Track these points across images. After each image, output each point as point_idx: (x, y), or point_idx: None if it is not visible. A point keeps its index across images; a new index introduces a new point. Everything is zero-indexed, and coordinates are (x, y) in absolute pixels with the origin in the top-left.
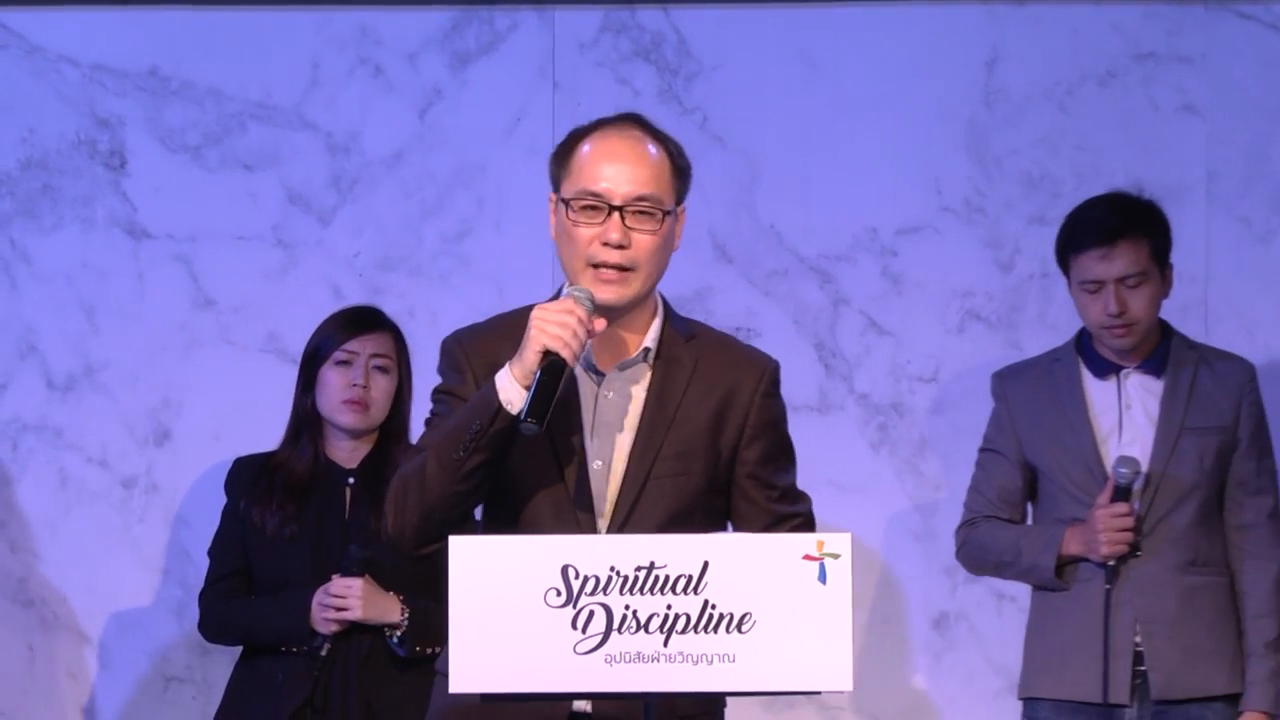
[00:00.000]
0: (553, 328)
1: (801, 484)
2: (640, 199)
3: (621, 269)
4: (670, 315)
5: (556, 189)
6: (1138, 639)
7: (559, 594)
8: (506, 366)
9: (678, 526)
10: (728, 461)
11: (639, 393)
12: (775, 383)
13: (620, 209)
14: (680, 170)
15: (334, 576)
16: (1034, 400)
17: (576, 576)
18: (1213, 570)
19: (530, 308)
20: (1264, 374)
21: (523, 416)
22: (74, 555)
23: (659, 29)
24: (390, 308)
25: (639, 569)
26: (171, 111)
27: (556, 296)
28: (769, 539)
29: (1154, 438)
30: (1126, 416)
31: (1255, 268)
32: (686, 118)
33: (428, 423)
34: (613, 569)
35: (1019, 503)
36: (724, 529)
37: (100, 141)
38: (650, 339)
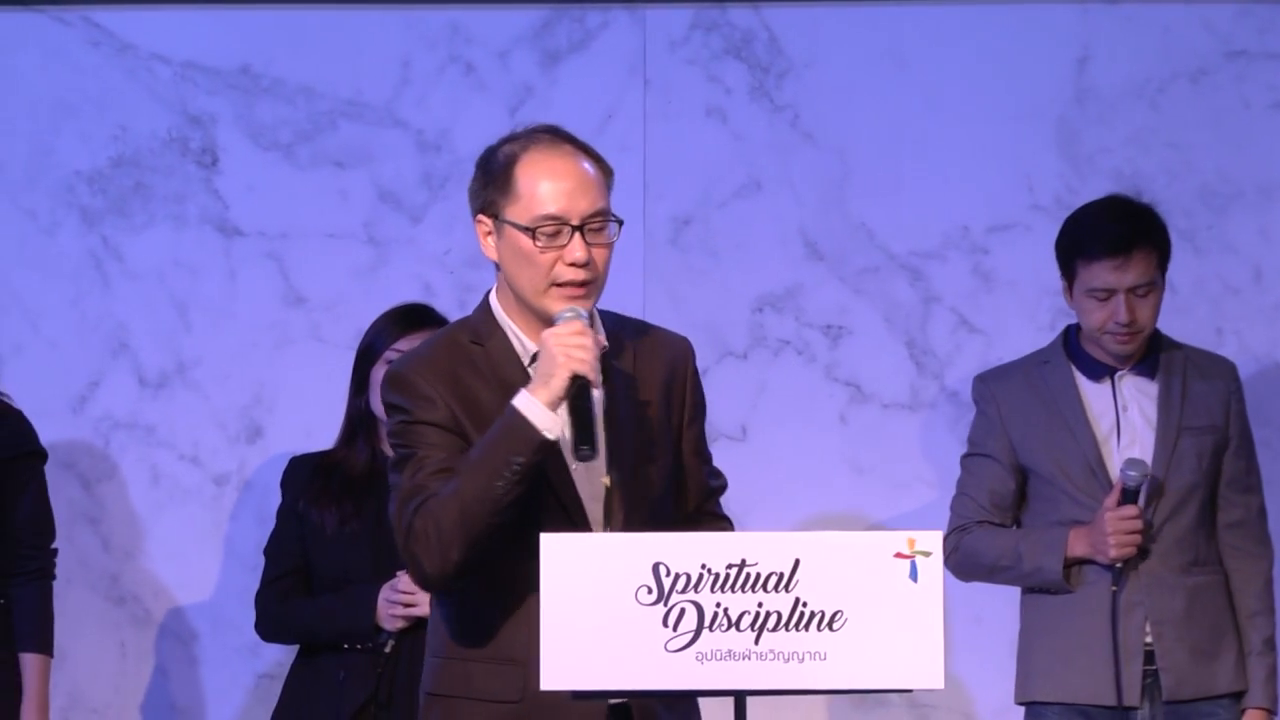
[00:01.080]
0: (577, 352)
1: (892, 481)
2: (595, 215)
3: (584, 284)
4: (598, 310)
5: (493, 213)
6: (1148, 639)
7: (650, 591)
8: (526, 394)
9: (664, 510)
10: (678, 438)
11: (596, 392)
12: (695, 358)
13: (579, 228)
14: (610, 176)
15: (399, 574)
16: (1025, 403)
17: (668, 574)
18: (1211, 569)
19: (457, 327)
20: None
21: (576, 446)
22: (166, 552)
23: (750, 26)
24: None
25: (730, 566)
26: (263, 109)
27: (486, 309)
28: (858, 537)
29: (1154, 440)
30: (1124, 418)
31: None
32: (778, 115)
33: (406, 458)
34: (704, 566)
35: (1010, 507)
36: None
37: (192, 139)
38: (602, 337)
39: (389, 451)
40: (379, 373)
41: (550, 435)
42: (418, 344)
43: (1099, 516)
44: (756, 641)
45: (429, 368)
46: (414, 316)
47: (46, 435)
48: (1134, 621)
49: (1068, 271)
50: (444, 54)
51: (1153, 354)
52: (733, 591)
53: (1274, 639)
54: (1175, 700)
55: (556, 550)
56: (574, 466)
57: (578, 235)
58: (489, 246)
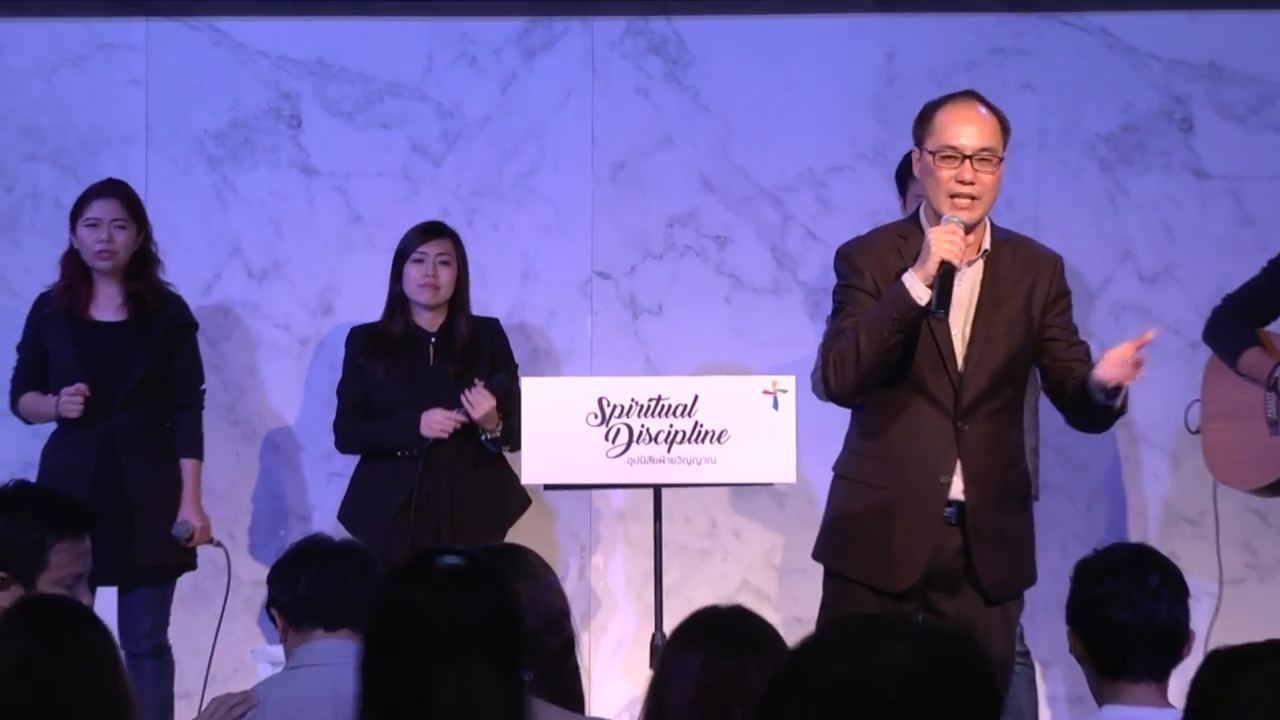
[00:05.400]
0: (946, 245)
1: (761, 343)
2: (983, 149)
3: (971, 198)
4: (993, 225)
5: (919, 143)
6: None
7: (596, 417)
8: (910, 271)
9: (1004, 374)
10: (1039, 327)
11: (977, 279)
12: (1063, 270)
13: (970, 157)
14: (1005, 129)
15: (478, 382)
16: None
17: (609, 405)
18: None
19: (894, 224)
20: (1070, 269)
21: (934, 308)
22: (266, 390)
23: (665, 32)
24: (480, 223)
25: (650, 399)
26: (333, 88)
27: (915, 215)
28: (738, 380)
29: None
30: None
31: (1072, 196)
32: (684, 92)
33: (838, 310)
34: (633, 399)
35: None
36: (1030, 372)
37: (284, 109)
38: (986, 243)
39: (417, 323)
40: (408, 269)
41: (921, 301)
42: (433, 245)
43: None
44: (669, 451)
45: (865, 250)
46: (429, 230)
47: None
48: None
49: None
50: (456, 50)
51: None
52: (652, 417)
53: (1034, 449)
54: None
55: (534, 390)
56: (954, 332)
57: (968, 162)
58: (916, 167)
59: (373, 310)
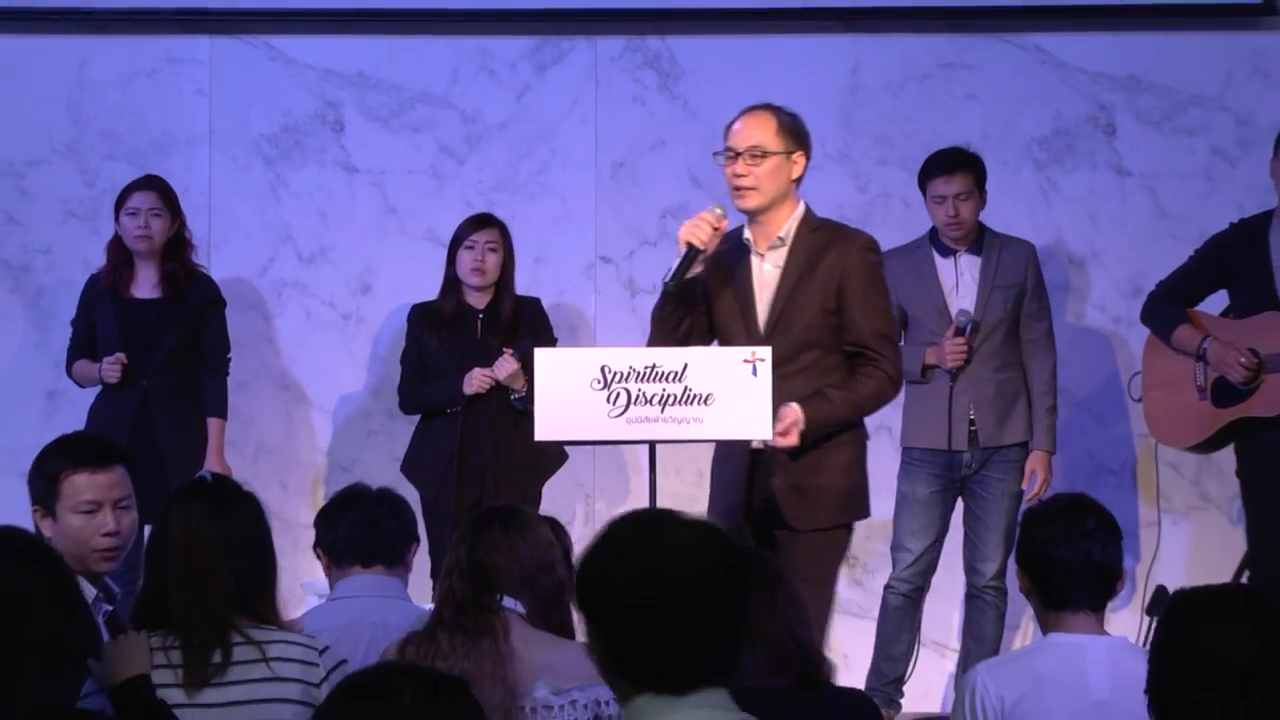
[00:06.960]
0: (689, 229)
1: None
2: (752, 146)
3: (746, 188)
4: (807, 216)
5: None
6: (971, 412)
7: (599, 382)
8: None
9: (803, 340)
10: (836, 296)
11: (781, 262)
12: (868, 249)
13: (741, 154)
14: (786, 129)
15: (505, 351)
16: (905, 272)
17: (610, 371)
18: (1012, 369)
19: (736, 230)
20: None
21: (667, 279)
22: (313, 359)
23: (659, 49)
24: (498, 214)
25: (646, 367)
26: (371, 97)
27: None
28: (722, 350)
29: (976, 293)
30: (960, 280)
31: (1011, 191)
32: (675, 101)
33: None
34: (630, 367)
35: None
36: (839, 339)
37: (328, 115)
38: (784, 231)
39: (467, 301)
40: (461, 254)
41: (667, 279)
42: (481, 234)
43: (943, 342)
44: (662, 412)
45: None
46: (478, 221)
47: (243, 291)
48: (963, 401)
49: (923, 188)
50: (477, 64)
51: (979, 240)
52: (648, 382)
53: (1053, 408)
54: (986, 446)
55: (545, 359)
56: (760, 307)
57: (740, 158)
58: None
59: (406, 290)
